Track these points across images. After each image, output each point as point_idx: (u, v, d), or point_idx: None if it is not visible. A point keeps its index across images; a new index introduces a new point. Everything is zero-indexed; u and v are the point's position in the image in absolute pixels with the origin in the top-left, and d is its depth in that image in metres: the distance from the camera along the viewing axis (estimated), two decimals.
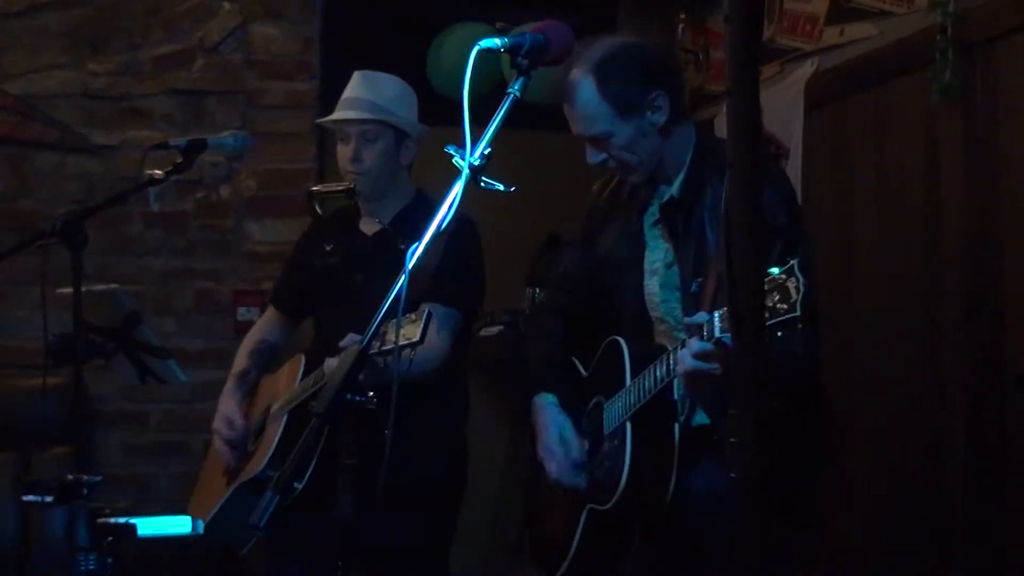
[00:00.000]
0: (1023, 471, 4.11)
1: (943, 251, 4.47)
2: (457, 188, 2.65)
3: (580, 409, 3.66)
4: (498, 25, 6.47)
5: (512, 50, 2.80)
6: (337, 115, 4.29)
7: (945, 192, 4.47)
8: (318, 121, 4.47)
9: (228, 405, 4.39)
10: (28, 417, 4.58)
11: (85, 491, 3.41)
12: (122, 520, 3.41)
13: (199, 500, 4.52)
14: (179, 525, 3.70)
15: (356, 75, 4.38)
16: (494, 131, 2.70)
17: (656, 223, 3.54)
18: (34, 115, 6.16)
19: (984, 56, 4.30)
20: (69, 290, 3.63)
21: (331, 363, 3.84)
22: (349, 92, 4.32)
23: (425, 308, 3.35)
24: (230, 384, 4.46)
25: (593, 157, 3.49)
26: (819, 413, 3.56)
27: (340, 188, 4.33)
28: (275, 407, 4.26)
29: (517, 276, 7.01)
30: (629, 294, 3.58)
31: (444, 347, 4.12)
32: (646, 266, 3.56)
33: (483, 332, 7.02)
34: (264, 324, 4.64)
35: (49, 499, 3.46)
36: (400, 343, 3.41)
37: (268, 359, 4.57)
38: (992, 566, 4.22)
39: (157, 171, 3.90)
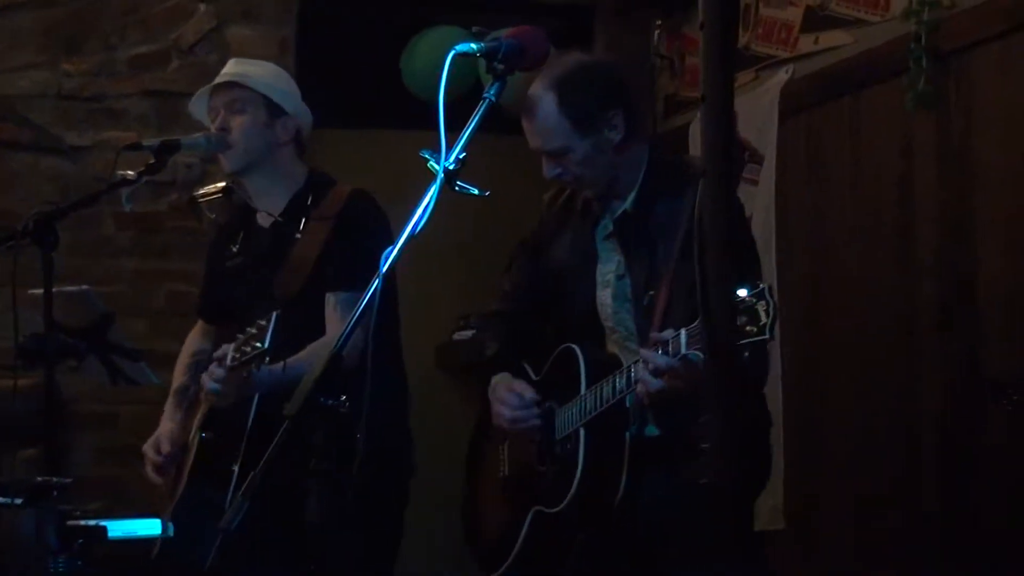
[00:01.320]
0: (997, 477, 4.13)
1: (918, 257, 4.49)
2: (432, 192, 2.64)
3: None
4: (474, 29, 6.45)
5: (488, 55, 2.81)
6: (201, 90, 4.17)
7: (919, 199, 4.49)
8: (190, 110, 4.32)
9: (164, 427, 4.28)
10: None
11: (55, 493, 3.39)
12: (92, 523, 3.38)
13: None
14: (149, 528, 3.67)
15: (229, 61, 4.29)
16: (469, 135, 2.70)
17: (609, 236, 3.63)
18: (8, 115, 6.13)
19: (958, 65, 4.32)
20: (41, 291, 3.62)
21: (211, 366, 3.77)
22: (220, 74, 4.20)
23: (273, 313, 3.32)
24: (170, 403, 4.34)
25: (550, 171, 3.58)
26: (764, 427, 3.66)
27: (218, 188, 4.25)
28: (195, 424, 4.18)
29: (490, 281, 6.99)
30: (581, 304, 3.67)
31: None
32: (598, 277, 3.64)
33: (457, 336, 7.02)
34: (196, 336, 4.53)
35: (19, 501, 3.43)
36: (248, 356, 3.41)
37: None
38: (966, 571, 4.23)
39: (130, 172, 3.88)
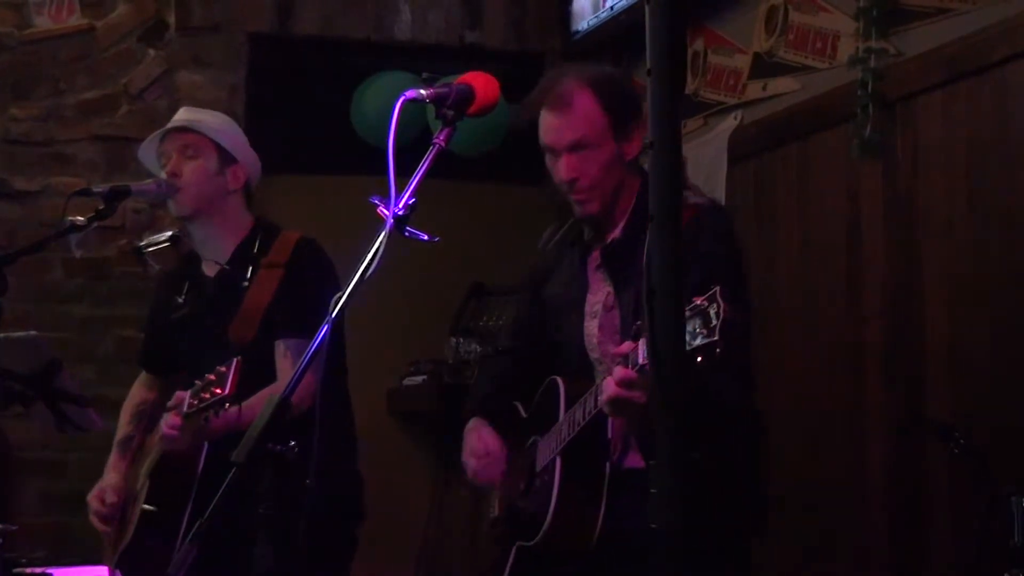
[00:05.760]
0: (942, 518, 4.15)
1: (864, 303, 4.52)
2: (381, 238, 2.64)
3: (518, 449, 3.64)
4: (424, 75, 6.48)
5: (438, 100, 2.81)
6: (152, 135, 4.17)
7: (866, 245, 4.52)
8: (139, 156, 4.30)
9: (109, 478, 4.23)
10: None
11: (1, 540, 3.37)
12: (38, 570, 3.36)
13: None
14: None
15: (181, 109, 4.30)
16: (419, 181, 2.70)
17: (599, 267, 3.55)
18: None
19: (904, 112, 4.36)
20: None
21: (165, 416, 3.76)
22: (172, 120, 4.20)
23: (233, 359, 3.31)
24: (114, 453, 4.31)
25: (569, 171, 3.42)
26: (757, 464, 3.56)
27: (164, 238, 4.24)
28: (143, 470, 4.16)
29: (441, 326, 7.00)
30: (571, 335, 3.58)
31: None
32: (586, 308, 3.55)
33: (406, 381, 7.00)
34: (141, 386, 4.51)
35: None
36: (211, 401, 3.41)
37: (151, 420, 4.46)
38: None
39: (79, 217, 3.86)
